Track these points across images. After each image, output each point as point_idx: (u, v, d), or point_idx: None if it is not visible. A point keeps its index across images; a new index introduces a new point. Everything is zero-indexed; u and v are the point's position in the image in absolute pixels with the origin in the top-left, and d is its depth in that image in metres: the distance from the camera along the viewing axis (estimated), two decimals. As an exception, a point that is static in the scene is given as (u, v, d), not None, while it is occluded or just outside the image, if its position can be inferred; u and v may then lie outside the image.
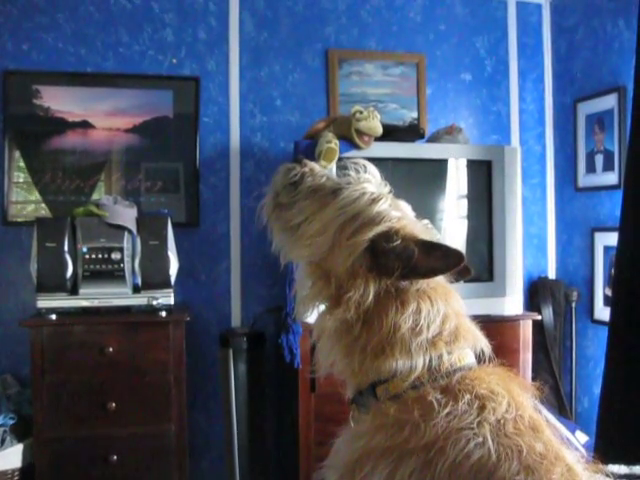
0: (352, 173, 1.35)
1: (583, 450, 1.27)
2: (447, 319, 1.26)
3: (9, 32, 3.27)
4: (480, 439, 1.11)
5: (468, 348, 1.27)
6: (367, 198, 1.29)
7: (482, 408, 1.15)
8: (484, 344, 1.30)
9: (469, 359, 1.26)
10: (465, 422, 1.13)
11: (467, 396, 1.16)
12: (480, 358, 1.29)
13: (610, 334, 2.82)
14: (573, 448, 1.20)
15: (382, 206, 1.28)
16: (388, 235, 1.25)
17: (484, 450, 1.10)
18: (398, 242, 1.23)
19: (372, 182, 1.35)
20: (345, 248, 1.25)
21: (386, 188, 1.36)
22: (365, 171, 1.37)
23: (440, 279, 1.31)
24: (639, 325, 2.67)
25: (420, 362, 1.22)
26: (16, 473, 2.81)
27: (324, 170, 1.42)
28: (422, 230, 1.30)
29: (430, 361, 1.22)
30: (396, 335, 1.22)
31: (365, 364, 1.24)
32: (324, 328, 1.30)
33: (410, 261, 1.22)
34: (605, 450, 2.68)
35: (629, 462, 1.83)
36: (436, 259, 1.22)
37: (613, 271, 2.94)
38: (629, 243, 2.75)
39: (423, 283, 1.26)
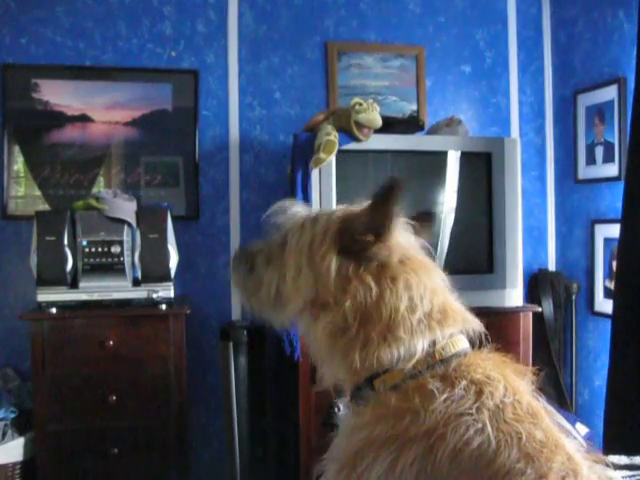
0: (281, 217, 1.40)
1: (583, 442, 1.27)
2: (435, 293, 1.27)
3: (8, 26, 3.27)
4: (480, 425, 1.11)
5: (460, 332, 1.28)
6: (309, 221, 1.33)
7: (480, 393, 1.15)
8: (475, 324, 1.31)
9: (463, 344, 1.27)
10: (463, 407, 1.13)
11: (463, 382, 1.17)
12: (473, 340, 1.29)
13: (613, 326, 2.82)
14: (572, 436, 1.20)
15: (323, 217, 1.32)
16: (344, 226, 1.28)
17: (484, 436, 1.10)
18: (354, 222, 1.26)
19: (301, 210, 1.40)
20: (324, 267, 1.27)
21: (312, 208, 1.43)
22: (288, 209, 1.41)
23: (417, 253, 1.33)
24: None
25: (419, 346, 1.22)
26: (17, 467, 2.82)
27: (259, 241, 1.45)
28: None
29: (428, 346, 1.22)
30: (397, 318, 1.23)
31: (368, 358, 1.23)
32: (317, 338, 1.30)
33: (373, 223, 1.24)
34: (612, 442, 2.69)
35: (634, 453, 1.84)
36: (385, 203, 1.22)
37: (615, 264, 2.94)
38: (631, 235, 2.75)
39: (400, 254, 1.28)
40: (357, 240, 1.26)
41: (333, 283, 1.26)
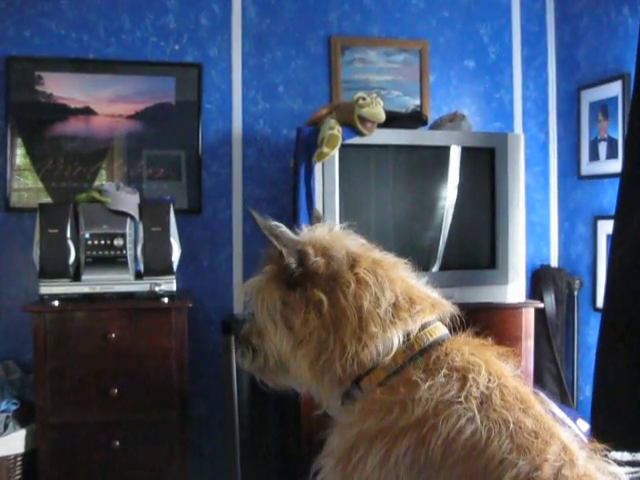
0: (245, 294, 1.46)
1: (584, 438, 1.27)
2: (395, 283, 1.30)
3: (12, 18, 3.27)
4: (470, 414, 1.12)
5: (435, 320, 1.30)
6: (263, 282, 1.38)
7: (463, 380, 1.17)
8: (447, 308, 1.33)
9: (439, 332, 1.29)
10: (450, 394, 1.15)
11: (444, 370, 1.18)
12: (450, 326, 1.32)
13: (604, 320, 2.82)
14: (566, 425, 1.20)
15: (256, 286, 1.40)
16: (277, 266, 1.34)
17: (475, 425, 1.11)
18: (277, 257, 1.33)
19: (252, 279, 1.44)
20: (288, 312, 1.32)
21: None
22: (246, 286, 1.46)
23: (368, 253, 1.36)
24: (633, 312, 2.67)
25: (395, 339, 1.24)
26: (19, 458, 2.82)
27: (247, 321, 1.50)
28: None
29: (404, 337, 1.25)
30: (364, 315, 1.25)
31: (348, 363, 1.26)
32: (301, 373, 1.33)
33: (295, 247, 1.30)
34: (600, 437, 2.68)
35: (624, 449, 1.84)
36: (265, 233, 1.31)
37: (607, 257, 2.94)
38: (625, 231, 2.74)
39: (351, 259, 1.32)
40: (287, 267, 1.31)
41: (296, 318, 1.30)
